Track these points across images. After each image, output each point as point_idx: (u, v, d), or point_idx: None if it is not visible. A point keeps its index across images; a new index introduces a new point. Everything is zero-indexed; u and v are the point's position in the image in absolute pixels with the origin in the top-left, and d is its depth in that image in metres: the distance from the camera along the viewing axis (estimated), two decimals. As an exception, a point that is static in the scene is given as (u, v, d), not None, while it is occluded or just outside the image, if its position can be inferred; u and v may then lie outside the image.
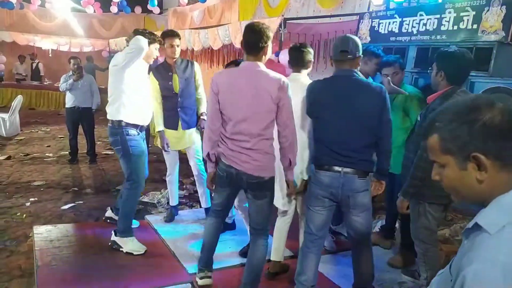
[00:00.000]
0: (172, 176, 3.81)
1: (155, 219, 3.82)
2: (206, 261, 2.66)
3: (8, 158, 6.19)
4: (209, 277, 2.66)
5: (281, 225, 2.85)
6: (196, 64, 3.69)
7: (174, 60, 3.53)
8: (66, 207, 4.26)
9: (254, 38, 2.29)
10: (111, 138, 3.18)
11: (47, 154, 6.57)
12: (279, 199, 2.69)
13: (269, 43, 2.33)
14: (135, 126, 3.13)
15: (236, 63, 3.04)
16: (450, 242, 3.76)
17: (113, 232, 3.20)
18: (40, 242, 3.21)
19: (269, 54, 2.38)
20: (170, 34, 3.50)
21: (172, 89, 3.52)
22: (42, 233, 3.38)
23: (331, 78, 2.39)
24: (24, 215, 3.99)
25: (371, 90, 2.28)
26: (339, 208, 2.49)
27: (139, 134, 3.17)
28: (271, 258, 2.85)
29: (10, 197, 4.50)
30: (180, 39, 3.55)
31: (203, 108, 3.65)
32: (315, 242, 2.46)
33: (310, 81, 2.57)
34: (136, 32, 3.11)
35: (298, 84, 2.57)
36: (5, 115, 7.75)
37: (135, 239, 3.21)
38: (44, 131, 8.56)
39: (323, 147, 2.34)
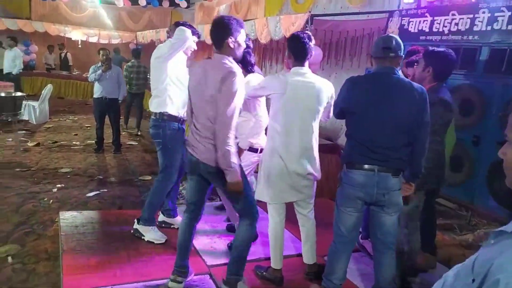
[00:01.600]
0: None
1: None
2: (178, 263, 2.60)
3: (37, 144, 6.40)
4: (179, 282, 2.58)
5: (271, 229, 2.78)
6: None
7: None
8: (91, 194, 4.38)
9: (213, 33, 2.32)
10: (152, 130, 3.18)
11: (74, 143, 6.75)
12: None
13: (233, 38, 2.27)
14: (178, 119, 3.14)
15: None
16: (474, 248, 3.68)
17: (136, 220, 3.28)
18: (66, 228, 3.31)
19: (237, 48, 2.32)
20: None
21: None
22: (68, 218, 3.49)
23: (372, 75, 2.35)
24: (51, 201, 4.12)
25: (413, 90, 2.22)
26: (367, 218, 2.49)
27: (179, 128, 3.16)
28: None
29: (38, 182, 4.66)
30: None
31: None
32: (346, 245, 2.41)
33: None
34: (177, 24, 3.14)
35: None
36: (35, 103, 7.99)
37: (156, 228, 3.27)
38: (72, 120, 8.79)
39: (357, 144, 2.27)
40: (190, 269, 2.67)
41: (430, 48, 2.65)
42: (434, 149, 2.48)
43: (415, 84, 2.28)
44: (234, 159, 2.26)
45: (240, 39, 2.31)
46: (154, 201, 3.25)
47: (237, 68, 2.27)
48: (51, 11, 12.99)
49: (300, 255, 2.96)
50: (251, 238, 2.55)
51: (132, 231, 3.26)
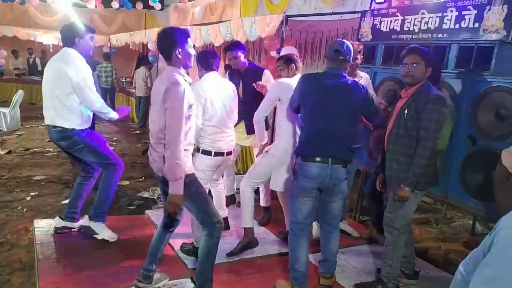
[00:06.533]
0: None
1: (155, 214, 3.83)
2: (146, 265, 2.59)
3: (9, 152, 6.21)
4: None
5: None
6: (266, 73, 3.61)
7: (245, 67, 3.58)
8: (66, 201, 4.24)
9: (160, 46, 2.33)
10: (64, 142, 3.04)
11: (47, 149, 6.58)
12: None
13: (180, 49, 2.27)
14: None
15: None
16: (450, 240, 3.78)
17: (87, 217, 3.18)
18: (41, 236, 3.22)
19: (187, 57, 2.32)
20: (227, 48, 3.61)
21: (239, 95, 3.54)
22: (43, 227, 3.39)
23: (323, 73, 2.62)
24: (25, 209, 4.01)
25: (359, 88, 2.58)
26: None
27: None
28: None
29: (11, 191, 4.52)
30: (240, 49, 3.55)
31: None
32: (304, 230, 2.64)
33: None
34: (66, 27, 3.18)
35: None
36: (6, 110, 7.76)
37: (105, 226, 3.22)
38: (45, 126, 8.46)
39: (312, 136, 2.52)
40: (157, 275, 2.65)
41: (423, 48, 2.57)
42: (431, 147, 2.42)
43: (360, 84, 2.63)
44: (182, 173, 2.21)
45: (189, 48, 2.33)
46: (107, 194, 3.16)
47: (181, 79, 2.24)
48: (20, 15, 12.62)
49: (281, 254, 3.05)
50: (211, 249, 2.48)
51: (79, 229, 3.18)
